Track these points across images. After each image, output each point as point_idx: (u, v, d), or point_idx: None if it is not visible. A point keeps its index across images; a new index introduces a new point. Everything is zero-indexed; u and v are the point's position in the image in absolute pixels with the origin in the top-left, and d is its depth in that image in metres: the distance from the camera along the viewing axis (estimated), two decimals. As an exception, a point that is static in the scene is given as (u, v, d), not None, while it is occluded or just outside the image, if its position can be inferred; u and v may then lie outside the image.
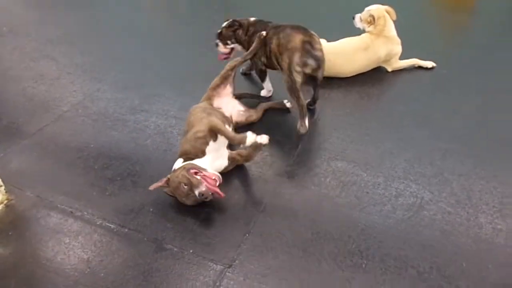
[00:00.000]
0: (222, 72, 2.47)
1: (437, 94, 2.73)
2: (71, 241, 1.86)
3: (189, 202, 1.92)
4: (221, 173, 2.05)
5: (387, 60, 2.93)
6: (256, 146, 2.08)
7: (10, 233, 1.90)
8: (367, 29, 2.90)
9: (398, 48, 2.91)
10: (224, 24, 2.69)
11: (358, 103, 2.72)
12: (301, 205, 2.01)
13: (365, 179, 2.13)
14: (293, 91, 2.38)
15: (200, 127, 2.05)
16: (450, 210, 1.95)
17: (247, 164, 2.22)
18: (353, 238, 1.84)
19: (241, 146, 2.08)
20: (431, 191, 2.05)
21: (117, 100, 2.78)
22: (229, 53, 2.75)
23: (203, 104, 2.34)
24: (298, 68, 2.32)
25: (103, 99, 2.81)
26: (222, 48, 2.73)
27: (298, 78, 2.35)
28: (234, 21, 2.65)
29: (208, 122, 2.07)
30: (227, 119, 2.30)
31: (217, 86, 2.46)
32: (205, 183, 1.86)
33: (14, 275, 1.72)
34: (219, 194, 1.88)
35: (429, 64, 2.98)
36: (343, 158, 2.26)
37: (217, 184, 1.91)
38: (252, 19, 2.66)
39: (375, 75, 2.94)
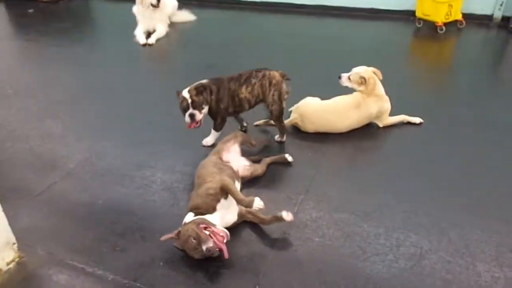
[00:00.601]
0: (235, 132, 2.73)
1: (427, 147, 2.91)
2: (83, 297, 1.88)
3: (197, 256, 1.98)
4: (230, 227, 2.13)
5: (378, 116, 3.14)
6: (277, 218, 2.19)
7: (21, 291, 1.92)
8: (358, 88, 3.12)
9: (387, 105, 3.13)
10: (188, 93, 2.69)
11: (354, 156, 2.88)
12: (307, 256, 2.08)
13: (366, 229, 2.23)
14: (280, 117, 2.93)
15: (212, 184, 2.16)
16: (450, 259, 2.04)
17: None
18: (359, 287, 1.91)
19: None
20: (430, 241, 2.15)
21: (123, 157, 2.89)
22: (201, 119, 2.76)
23: (213, 158, 2.47)
24: (286, 96, 2.91)
25: (109, 155, 2.92)
26: (199, 116, 2.71)
27: (284, 105, 2.92)
28: (200, 86, 2.72)
29: (220, 180, 2.18)
30: (235, 175, 2.42)
31: (227, 141, 2.63)
32: (213, 239, 1.93)
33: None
34: (224, 253, 1.95)
35: (417, 120, 3.19)
36: (344, 210, 2.37)
37: (225, 241, 1.98)
38: (205, 80, 2.79)
39: (368, 131, 3.13)
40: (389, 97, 3.14)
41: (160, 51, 5.03)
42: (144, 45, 5.02)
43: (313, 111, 3.07)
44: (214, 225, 2.02)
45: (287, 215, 2.15)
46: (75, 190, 2.58)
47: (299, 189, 2.54)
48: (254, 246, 2.15)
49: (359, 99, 3.07)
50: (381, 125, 3.17)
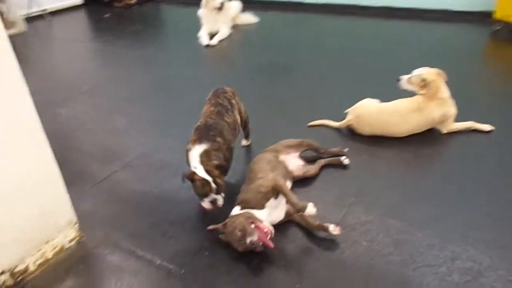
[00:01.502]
0: (303, 141, 2.69)
1: (496, 158, 2.67)
2: (131, 278, 1.98)
3: (240, 248, 2.00)
4: (276, 224, 2.13)
5: (442, 121, 2.96)
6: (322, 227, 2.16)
7: (80, 266, 2.06)
8: (419, 92, 2.97)
9: (452, 110, 2.94)
10: (208, 174, 2.16)
11: (412, 162, 2.74)
12: (353, 259, 2.01)
13: (419, 238, 2.11)
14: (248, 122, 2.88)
15: (265, 182, 2.18)
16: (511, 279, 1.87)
17: (299, 216, 2.29)
18: (407, 297, 1.81)
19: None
20: (490, 257, 1.98)
21: (181, 152, 3.00)
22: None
23: (269, 156, 2.49)
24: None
25: (167, 150, 3.05)
26: (221, 201, 2.23)
27: None
28: (217, 158, 2.23)
29: (274, 180, 2.18)
30: (288, 174, 2.44)
31: (290, 147, 2.62)
32: (257, 233, 1.94)
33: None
34: (269, 245, 1.94)
35: (486, 127, 2.96)
36: (396, 216, 2.26)
37: (268, 237, 1.98)
38: (207, 144, 2.27)
39: (429, 136, 2.96)
40: (456, 101, 2.96)
41: (222, 52, 5.17)
42: (207, 46, 5.20)
43: (370, 113, 2.98)
44: (260, 221, 2.03)
45: (334, 229, 2.10)
46: (133, 180, 2.73)
47: (350, 191, 2.47)
48: (300, 244, 2.13)
49: (420, 103, 2.91)
50: (444, 131, 2.99)
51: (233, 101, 2.66)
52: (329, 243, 2.11)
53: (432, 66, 2.98)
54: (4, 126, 1.76)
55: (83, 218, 2.31)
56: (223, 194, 2.22)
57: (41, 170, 1.95)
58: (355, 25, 5.72)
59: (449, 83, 2.95)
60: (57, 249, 2.10)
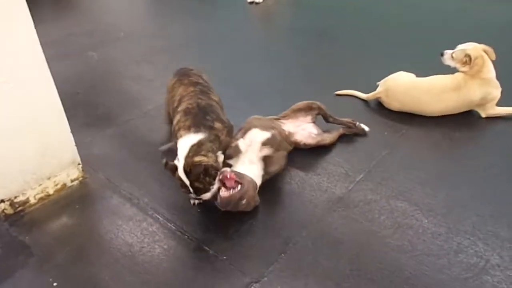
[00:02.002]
0: (313, 103, 2.52)
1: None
2: (122, 223, 2.00)
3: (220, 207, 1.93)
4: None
5: (482, 104, 2.67)
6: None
7: (77, 206, 2.12)
8: (461, 69, 2.67)
9: (496, 93, 2.63)
10: (185, 174, 1.87)
11: (439, 144, 2.51)
12: (348, 237, 1.90)
13: (424, 225, 1.94)
14: None
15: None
16: (520, 281, 1.68)
17: (300, 186, 2.19)
18: (395, 284, 1.69)
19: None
20: (500, 256, 1.78)
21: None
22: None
23: (265, 119, 2.37)
24: None
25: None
26: (208, 196, 1.92)
27: None
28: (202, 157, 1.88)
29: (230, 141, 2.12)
30: (284, 134, 2.30)
31: (299, 110, 2.49)
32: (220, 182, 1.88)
33: (70, 242, 1.91)
34: (229, 185, 1.85)
35: (533, 116, 2.64)
36: (405, 199, 2.09)
37: (230, 181, 1.85)
38: (203, 135, 1.95)
39: (465, 119, 2.69)
40: (502, 84, 2.64)
41: (266, 11, 4.98)
42: (251, 3, 5.03)
43: (401, 87, 2.74)
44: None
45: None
46: (147, 129, 2.73)
47: (362, 166, 2.32)
48: (295, 215, 2.04)
49: (460, 81, 2.63)
50: (483, 115, 2.69)
51: (205, 77, 2.35)
52: (326, 217, 2.01)
53: (483, 43, 2.67)
54: (10, 63, 1.78)
55: (90, 161, 2.37)
56: (208, 193, 1.90)
57: (46, 109, 1.97)
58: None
59: (497, 63, 2.63)
60: (58, 186, 2.16)
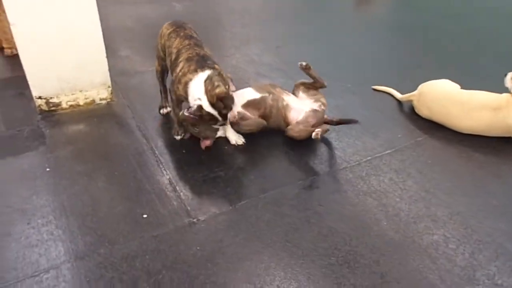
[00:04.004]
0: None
1: None
2: (121, 141, 2.33)
3: None
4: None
5: (523, 134, 2.39)
6: None
7: (95, 119, 2.50)
8: (512, 90, 2.41)
9: (540, 125, 2.33)
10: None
11: (449, 161, 2.33)
12: (337, 214, 1.95)
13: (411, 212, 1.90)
14: None
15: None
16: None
17: (286, 165, 2.28)
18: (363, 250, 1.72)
19: None
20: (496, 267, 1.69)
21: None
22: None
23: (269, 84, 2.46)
24: None
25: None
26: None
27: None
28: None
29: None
30: (277, 101, 2.36)
31: (302, 83, 2.49)
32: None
33: (75, 143, 2.31)
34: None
35: None
36: (374, 199, 2.05)
37: None
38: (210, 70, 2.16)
39: (498, 144, 2.43)
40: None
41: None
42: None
43: (434, 94, 2.56)
44: None
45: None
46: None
47: (352, 158, 2.30)
48: (267, 179, 2.14)
49: (501, 102, 2.38)
50: (523, 147, 2.41)
51: (196, 33, 2.44)
52: (294, 194, 2.08)
53: None
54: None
55: (125, 88, 2.73)
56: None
57: (86, 31, 2.35)
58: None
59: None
60: (88, 100, 2.57)
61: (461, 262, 1.74)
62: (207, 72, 2.13)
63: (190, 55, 2.20)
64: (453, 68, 3.22)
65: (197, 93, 2.11)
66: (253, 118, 2.30)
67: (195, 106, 2.08)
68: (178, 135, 2.35)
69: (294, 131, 2.33)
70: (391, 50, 3.62)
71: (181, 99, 2.25)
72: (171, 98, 2.33)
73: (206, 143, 2.30)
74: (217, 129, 2.30)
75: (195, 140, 2.36)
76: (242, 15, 4.09)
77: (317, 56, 3.35)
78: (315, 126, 2.32)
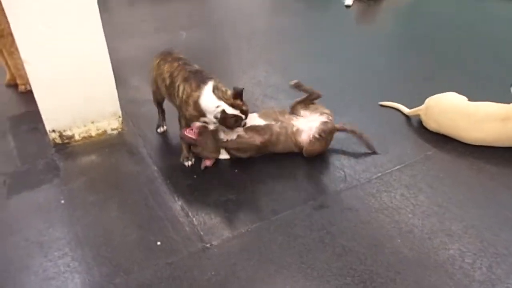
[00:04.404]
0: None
1: None
2: (130, 168, 2.37)
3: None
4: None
5: (533, 143, 2.37)
6: None
7: (107, 149, 2.56)
8: (521, 100, 2.40)
9: (551, 133, 2.31)
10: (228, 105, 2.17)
11: (460, 173, 2.31)
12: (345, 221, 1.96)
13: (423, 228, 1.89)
14: None
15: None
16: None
17: (296, 182, 2.29)
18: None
19: None
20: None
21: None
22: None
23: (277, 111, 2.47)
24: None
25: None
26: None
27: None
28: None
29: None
30: (286, 129, 2.38)
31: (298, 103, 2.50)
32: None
33: (88, 173, 2.35)
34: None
35: None
36: (386, 217, 2.04)
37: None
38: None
39: (507, 155, 2.41)
40: None
41: (360, 14, 4.94)
42: (347, 6, 5.03)
43: (442, 107, 2.56)
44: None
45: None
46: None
47: (362, 175, 2.30)
48: (273, 202, 2.15)
49: (509, 112, 2.37)
50: (535, 156, 2.39)
51: (184, 56, 2.49)
52: (299, 214, 2.08)
53: None
54: (70, 19, 2.25)
55: (136, 116, 2.80)
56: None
57: (95, 64, 2.42)
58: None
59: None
60: (100, 131, 2.63)
61: (479, 276, 1.72)
62: (210, 83, 2.18)
63: (186, 76, 2.24)
64: (460, 80, 3.22)
65: (212, 103, 2.15)
66: (246, 138, 2.32)
67: (223, 113, 2.12)
68: (187, 161, 2.38)
69: (311, 150, 2.38)
70: (396, 64, 3.64)
71: (194, 121, 2.29)
72: (181, 125, 2.37)
73: (206, 163, 2.36)
74: (218, 149, 2.35)
75: (204, 169, 2.39)
76: (248, 40, 4.17)
77: (323, 75, 3.39)
78: (329, 136, 2.39)
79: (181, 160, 2.39)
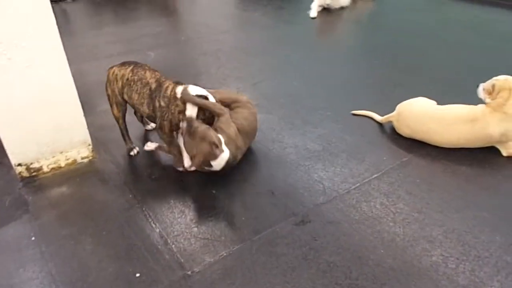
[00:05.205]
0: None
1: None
2: (105, 199, 2.29)
3: None
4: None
5: (503, 141, 2.42)
6: None
7: (78, 179, 2.45)
8: (486, 100, 2.46)
9: (518, 131, 2.37)
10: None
11: (435, 177, 2.34)
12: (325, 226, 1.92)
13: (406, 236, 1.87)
14: None
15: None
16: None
17: (270, 195, 2.26)
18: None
19: None
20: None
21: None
22: None
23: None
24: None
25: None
26: None
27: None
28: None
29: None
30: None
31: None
32: None
33: (59, 207, 2.24)
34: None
35: None
36: (367, 227, 2.03)
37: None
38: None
39: (481, 155, 2.47)
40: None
41: (325, 26, 5.03)
42: (313, 18, 5.12)
43: (413, 113, 2.61)
44: None
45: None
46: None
47: (340, 187, 2.29)
48: (250, 221, 2.11)
49: (477, 113, 2.43)
50: (504, 154, 2.45)
51: None
52: (277, 228, 2.05)
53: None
54: (35, 52, 2.17)
55: (107, 148, 2.71)
56: None
57: (61, 93, 2.33)
58: (496, 19, 4.83)
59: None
60: (69, 161, 2.53)
61: (463, 281, 1.72)
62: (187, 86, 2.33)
63: (172, 81, 2.37)
64: (428, 85, 3.31)
65: (197, 88, 2.31)
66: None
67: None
68: (182, 164, 2.38)
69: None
70: (364, 73, 3.70)
71: (178, 119, 2.29)
72: (163, 132, 2.36)
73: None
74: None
75: (181, 187, 2.34)
76: (216, 56, 4.16)
77: (293, 89, 3.41)
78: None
79: (175, 165, 2.45)
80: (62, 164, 2.51)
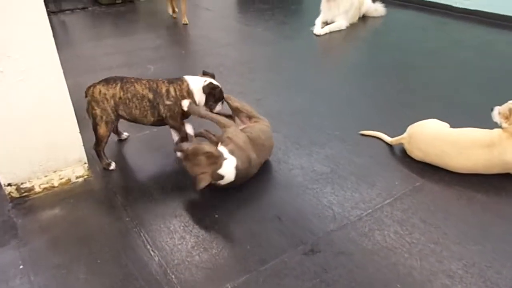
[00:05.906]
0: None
1: None
2: (102, 224, 2.14)
3: None
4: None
5: (520, 168, 2.32)
6: None
7: (71, 200, 2.31)
8: (503, 125, 2.36)
9: (537, 157, 2.26)
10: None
11: (452, 203, 2.22)
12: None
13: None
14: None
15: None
16: None
17: (278, 220, 2.12)
18: None
19: None
20: None
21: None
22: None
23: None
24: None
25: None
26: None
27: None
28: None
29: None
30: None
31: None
32: None
33: (50, 231, 2.09)
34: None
35: None
36: (381, 259, 1.90)
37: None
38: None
39: (497, 182, 2.35)
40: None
41: (328, 43, 4.95)
42: (318, 35, 5.04)
43: (425, 135, 2.50)
44: None
45: None
46: (163, 141, 2.86)
47: (351, 213, 2.16)
48: (257, 248, 1.98)
49: (494, 138, 2.32)
50: (522, 181, 2.34)
51: None
52: (287, 257, 1.91)
53: None
54: (28, 65, 2.05)
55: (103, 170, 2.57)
56: None
57: (56, 109, 2.20)
58: (500, 39, 4.78)
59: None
60: (63, 180, 2.38)
61: (488, 322, 1.59)
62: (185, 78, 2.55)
63: (164, 80, 2.50)
64: (437, 106, 3.22)
65: (199, 81, 2.53)
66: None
67: (206, 85, 2.50)
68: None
69: None
70: (369, 91, 3.60)
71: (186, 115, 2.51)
72: (175, 121, 2.50)
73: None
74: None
75: (182, 210, 2.20)
76: (219, 71, 4.03)
77: (298, 106, 3.30)
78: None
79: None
80: (56, 184, 2.37)
